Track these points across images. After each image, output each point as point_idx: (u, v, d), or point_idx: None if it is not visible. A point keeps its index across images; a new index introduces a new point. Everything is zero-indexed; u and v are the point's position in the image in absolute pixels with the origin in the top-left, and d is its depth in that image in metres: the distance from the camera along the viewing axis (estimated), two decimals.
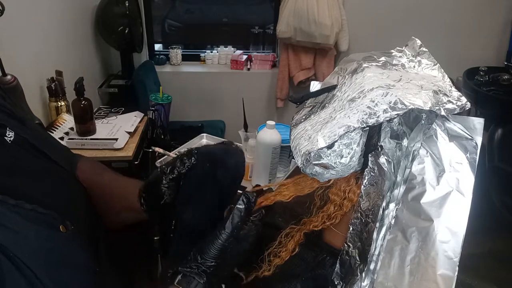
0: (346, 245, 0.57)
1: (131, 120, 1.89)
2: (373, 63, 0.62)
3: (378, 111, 0.52)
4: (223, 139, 1.87)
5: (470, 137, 0.54)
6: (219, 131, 2.77)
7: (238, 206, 0.57)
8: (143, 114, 2.01)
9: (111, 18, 2.36)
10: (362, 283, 0.53)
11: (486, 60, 2.82)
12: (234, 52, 3.05)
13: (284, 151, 1.47)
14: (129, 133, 1.78)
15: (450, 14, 2.83)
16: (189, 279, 0.52)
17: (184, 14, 3.42)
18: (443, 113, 0.53)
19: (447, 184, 0.53)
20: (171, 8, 3.35)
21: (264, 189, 0.66)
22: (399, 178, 0.55)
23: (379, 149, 0.55)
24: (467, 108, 0.54)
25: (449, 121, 0.56)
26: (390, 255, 0.52)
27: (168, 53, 2.98)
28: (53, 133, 1.64)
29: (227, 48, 3.06)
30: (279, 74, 2.93)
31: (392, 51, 0.66)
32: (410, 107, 0.51)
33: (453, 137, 0.55)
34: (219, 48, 3.07)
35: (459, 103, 0.53)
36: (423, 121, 0.55)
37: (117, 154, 1.66)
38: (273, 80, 3.00)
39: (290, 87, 2.98)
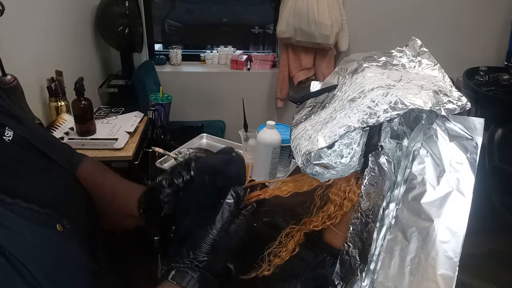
0: (346, 245, 0.57)
1: (131, 120, 1.89)
2: (373, 63, 0.62)
3: (378, 111, 0.52)
4: (223, 139, 1.87)
5: (470, 137, 0.54)
6: (219, 131, 2.77)
7: (228, 200, 0.57)
8: (143, 114, 2.01)
9: (111, 18, 2.36)
10: (362, 283, 0.53)
11: (486, 60, 2.82)
12: (234, 52, 3.05)
13: (284, 151, 1.47)
14: (129, 133, 1.78)
15: (450, 14, 2.83)
16: (183, 274, 0.53)
17: (184, 14, 3.42)
18: (443, 113, 0.53)
19: (448, 184, 0.53)
20: (171, 8, 3.35)
21: (259, 184, 0.66)
22: (399, 178, 0.55)
23: (380, 149, 0.55)
24: (468, 108, 0.54)
25: (450, 121, 0.56)
26: (390, 255, 0.52)
27: (168, 53, 2.98)
28: (53, 133, 1.64)
29: (227, 48, 3.06)
30: (279, 74, 2.93)
31: (393, 51, 0.66)
32: (410, 107, 0.51)
33: (453, 137, 0.55)
34: (219, 48, 3.07)
35: (459, 103, 0.53)
36: (423, 121, 0.55)
37: (117, 154, 1.66)
38: (273, 80, 3.00)
39: (290, 87, 2.98)
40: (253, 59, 3.02)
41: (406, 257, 0.52)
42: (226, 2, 3.32)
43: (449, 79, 0.59)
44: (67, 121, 1.73)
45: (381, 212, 0.54)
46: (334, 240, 0.66)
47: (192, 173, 0.62)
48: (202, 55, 3.07)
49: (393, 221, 0.54)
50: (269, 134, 1.35)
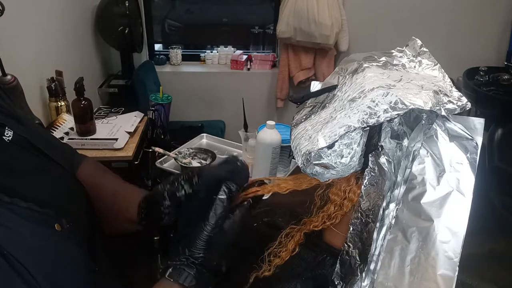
0: (346, 245, 0.57)
1: (131, 120, 1.89)
2: (373, 63, 0.62)
3: (378, 111, 0.52)
4: (223, 139, 1.87)
5: (470, 137, 0.54)
6: (219, 131, 2.77)
7: (220, 196, 0.57)
8: (143, 114, 2.00)
9: (111, 18, 2.36)
10: (362, 283, 0.53)
11: (486, 60, 2.81)
12: (234, 52, 3.05)
13: (284, 151, 1.47)
14: (129, 133, 1.78)
15: (450, 14, 2.83)
16: (180, 271, 0.53)
17: (184, 14, 3.42)
18: (443, 113, 0.53)
19: (448, 184, 0.53)
20: (171, 8, 3.35)
21: (256, 181, 0.66)
22: (399, 178, 0.55)
23: (380, 149, 0.55)
24: (468, 109, 0.54)
25: (450, 121, 0.56)
26: (390, 255, 0.52)
27: (168, 53, 2.98)
28: (53, 133, 1.64)
29: (227, 48, 3.06)
30: (279, 74, 2.93)
31: (393, 51, 0.66)
32: (410, 107, 0.51)
33: (453, 137, 0.55)
34: (219, 48, 3.07)
35: (459, 103, 0.53)
36: (423, 121, 0.55)
37: (117, 154, 1.66)
38: (273, 80, 3.00)
39: (290, 87, 2.98)
40: (253, 59, 3.02)
41: (406, 257, 0.52)
42: (226, 2, 3.32)
43: (449, 79, 0.59)
44: (67, 121, 1.72)
45: (381, 212, 0.54)
46: (334, 240, 0.66)
47: (195, 187, 0.61)
48: (202, 55, 3.07)
49: (393, 221, 0.54)
50: (269, 134, 1.35)
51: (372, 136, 0.55)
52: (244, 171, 0.63)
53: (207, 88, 2.97)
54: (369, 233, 0.54)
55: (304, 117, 0.64)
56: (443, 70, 0.61)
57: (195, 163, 1.63)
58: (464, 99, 0.54)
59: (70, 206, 0.59)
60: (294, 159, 0.62)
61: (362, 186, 0.56)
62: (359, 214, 0.56)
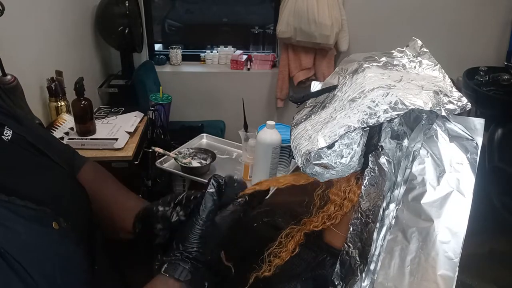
0: (346, 246, 0.57)
1: (131, 120, 1.89)
2: (373, 64, 0.62)
3: (378, 111, 0.52)
4: (223, 139, 1.87)
5: (470, 138, 0.54)
6: (219, 131, 2.77)
7: (209, 190, 0.58)
8: (143, 114, 2.00)
9: (111, 18, 2.36)
10: (362, 284, 0.53)
11: (486, 60, 2.81)
12: (234, 52, 3.05)
13: (284, 151, 1.47)
14: (129, 133, 1.78)
15: (450, 14, 2.83)
16: (175, 266, 0.54)
17: (184, 14, 3.42)
18: (443, 113, 0.53)
19: (448, 185, 0.53)
20: (171, 8, 3.35)
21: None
22: (399, 179, 0.55)
23: (380, 149, 0.55)
24: (468, 109, 0.54)
25: (450, 121, 0.56)
26: (390, 256, 0.52)
27: (168, 53, 2.98)
28: (53, 133, 1.64)
29: (227, 48, 3.06)
30: (279, 74, 2.93)
31: (393, 51, 0.66)
32: (410, 108, 0.51)
33: (453, 137, 0.55)
34: (219, 48, 3.07)
35: (460, 104, 0.53)
36: (423, 122, 0.55)
37: (117, 154, 1.66)
38: (273, 80, 3.00)
39: (290, 87, 2.98)
40: (253, 59, 3.02)
41: (406, 258, 0.52)
42: (226, 2, 3.32)
43: (449, 80, 0.59)
44: (67, 121, 1.72)
45: (381, 212, 0.54)
46: (334, 240, 0.66)
47: (188, 212, 0.61)
48: (202, 55, 3.06)
49: (393, 221, 0.54)
50: (269, 134, 1.35)
51: (372, 136, 0.55)
52: (240, 184, 0.63)
53: (207, 88, 2.97)
54: (369, 233, 0.54)
55: (304, 117, 0.64)
56: (443, 71, 0.61)
57: (195, 163, 1.63)
58: (465, 100, 0.54)
59: (69, 205, 0.59)
60: (294, 159, 0.62)
61: (362, 186, 0.56)
62: (359, 215, 0.56)
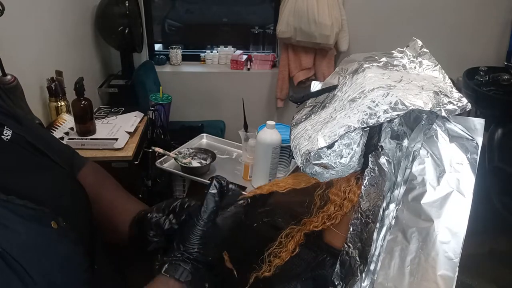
0: (346, 246, 0.57)
1: (131, 120, 1.89)
2: (374, 64, 0.62)
3: (378, 112, 0.52)
4: (223, 139, 1.87)
5: (470, 138, 0.54)
6: (219, 131, 2.77)
7: (211, 191, 0.57)
8: (143, 114, 2.01)
9: (111, 18, 2.36)
10: (362, 284, 0.53)
11: (486, 60, 2.81)
12: (234, 52, 3.05)
13: (284, 151, 1.48)
14: (129, 133, 1.78)
15: (450, 14, 2.83)
16: (175, 267, 0.54)
17: (184, 14, 3.42)
18: (443, 114, 0.52)
19: (448, 185, 0.53)
20: (171, 8, 3.35)
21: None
22: (399, 179, 0.55)
23: (380, 150, 0.55)
24: (468, 109, 0.54)
25: (450, 121, 0.56)
26: (390, 256, 0.52)
27: (168, 53, 2.98)
28: (53, 133, 1.64)
29: (227, 48, 3.06)
30: (279, 74, 2.93)
31: (393, 51, 0.66)
32: (410, 108, 0.51)
33: (453, 137, 0.55)
34: (219, 48, 3.07)
35: (460, 104, 0.53)
36: (423, 122, 0.55)
37: (117, 154, 1.66)
38: (273, 80, 3.00)
39: (290, 87, 2.98)
40: (253, 59, 3.02)
41: (406, 258, 0.52)
42: (226, 2, 3.32)
43: (449, 80, 0.59)
44: (67, 121, 1.73)
45: (381, 212, 0.54)
46: (334, 240, 0.66)
47: (181, 220, 0.62)
48: (202, 55, 3.06)
49: (393, 221, 0.54)
50: (269, 134, 1.36)
51: (372, 137, 0.55)
52: (235, 192, 0.63)
53: (207, 88, 2.97)
54: (369, 234, 0.54)
55: (304, 117, 0.64)
56: (443, 71, 0.61)
57: (195, 163, 1.63)
58: (465, 100, 0.54)
59: (68, 205, 0.59)
60: (294, 159, 0.62)
61: (362, 187, 0.56)
62: (359, 215, 0.56)
